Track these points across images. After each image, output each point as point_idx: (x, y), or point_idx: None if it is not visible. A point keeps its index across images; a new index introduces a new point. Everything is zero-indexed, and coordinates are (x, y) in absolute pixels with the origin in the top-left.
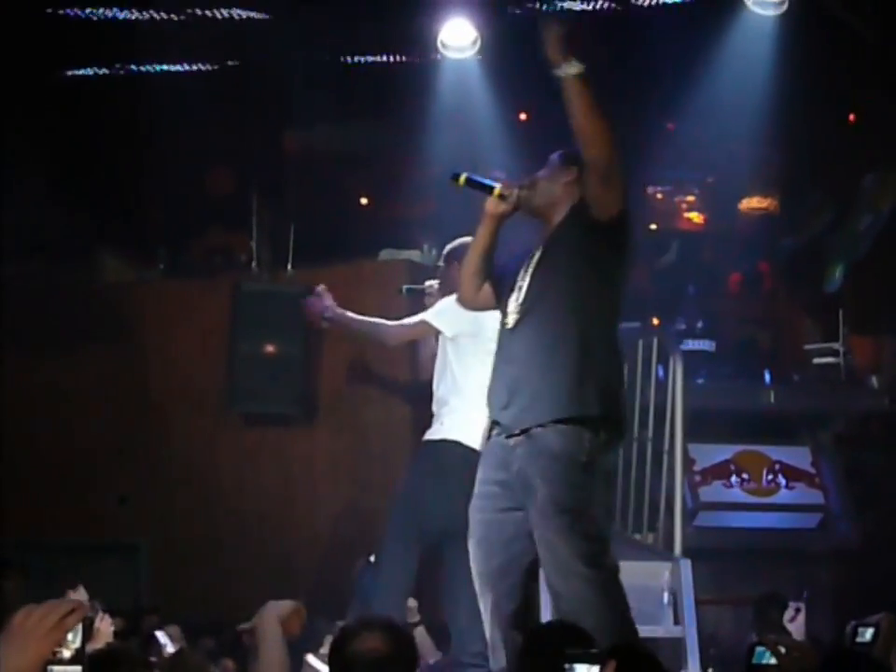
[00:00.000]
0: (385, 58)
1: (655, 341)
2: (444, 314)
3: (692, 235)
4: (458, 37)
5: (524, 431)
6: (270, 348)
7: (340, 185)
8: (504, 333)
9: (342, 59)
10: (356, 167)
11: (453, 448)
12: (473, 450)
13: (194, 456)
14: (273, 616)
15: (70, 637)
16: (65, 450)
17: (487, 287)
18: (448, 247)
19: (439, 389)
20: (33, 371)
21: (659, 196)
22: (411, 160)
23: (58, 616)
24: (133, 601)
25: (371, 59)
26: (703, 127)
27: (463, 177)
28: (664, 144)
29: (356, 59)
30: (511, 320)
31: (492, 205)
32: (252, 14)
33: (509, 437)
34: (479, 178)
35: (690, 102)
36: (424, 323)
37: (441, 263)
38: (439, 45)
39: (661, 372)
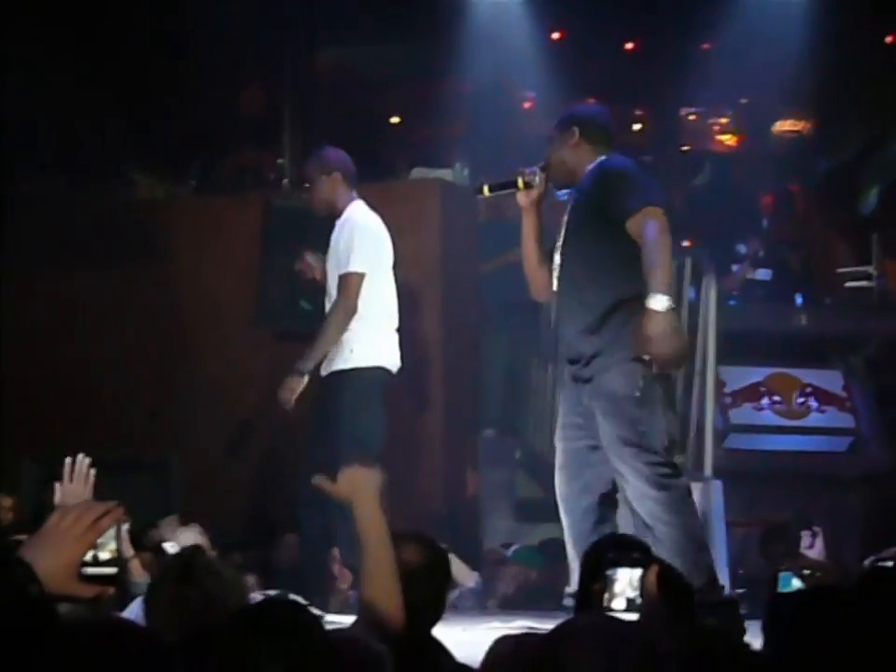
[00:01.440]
0: None
1: (688, 262)
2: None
3: (724, 157)
4: None
5: (588, 379)
6: (299, 265)
7: (371, 104)
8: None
9: None
10: (388, 86)
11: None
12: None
13: (224, 373)
14: (372, 492)
15: (104, 539)
16: (97, 367)
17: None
18: None
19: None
20: (62, 290)
21: (692, 117)
22: (443, 79)
23: (93, 517)
24: (164, 517)
25: None
26: (738, 48)
27: (485, 187)
28: (698, 64)
29: None
30: (555, 284)
31: (523, 197)
32: None
33: (575, 381)
34: (499, 181)
35: (726, 22)
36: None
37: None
38: None
39: (693, 294)
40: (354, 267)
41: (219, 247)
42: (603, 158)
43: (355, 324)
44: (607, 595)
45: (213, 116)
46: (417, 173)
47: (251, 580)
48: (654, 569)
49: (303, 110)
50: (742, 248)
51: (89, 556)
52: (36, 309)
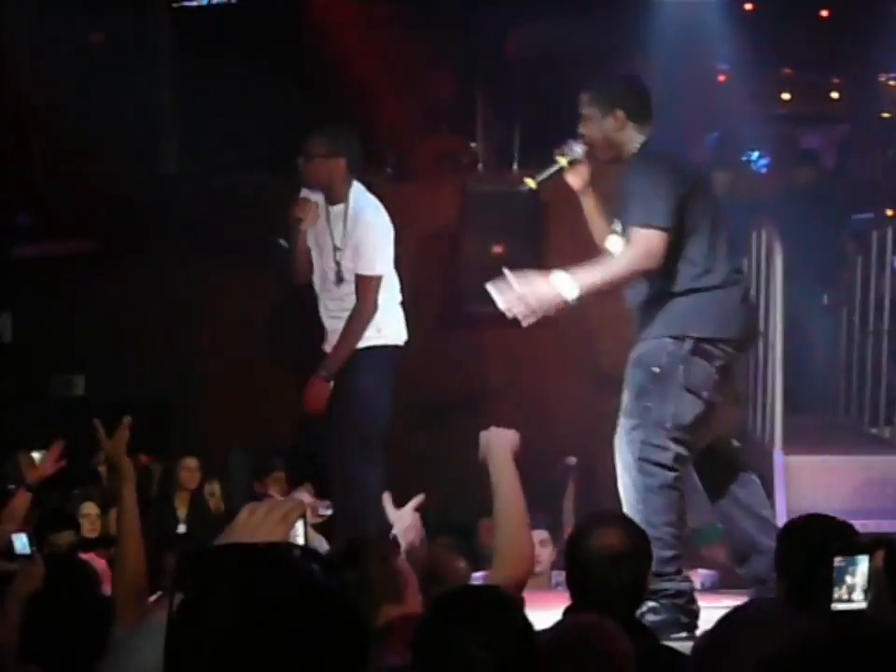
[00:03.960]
0: None
1: (890, 231)
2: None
3: None
4: None
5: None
6: (498, 249)
7: (563, 83)
8: None
9: None
10: (579, 64)
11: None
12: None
13: (422, 356)
14: (507, 448)
15: (293, 533)
16: (294, 352)
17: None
18: None
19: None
20: (241, 279)
21: (891, 83)
22: (632, 56)
23: (282, 512)
24: None
25: None
26: None
27: (533, 182)
28: (895, 29)
29: None
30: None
31: (574, 178)
32: None
33: None
34: (543, 173)
35: None
36: None
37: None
38: None
39: (895, 264)
40: (377, 270)
41: (417, 233)
42: (644, 140)
43: (382, 304)
44: (842, 589)
45: (407, 101)
46: None
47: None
48: (880, 554)
49: (494, 92)
50: None
51: None
52: (213, 306)
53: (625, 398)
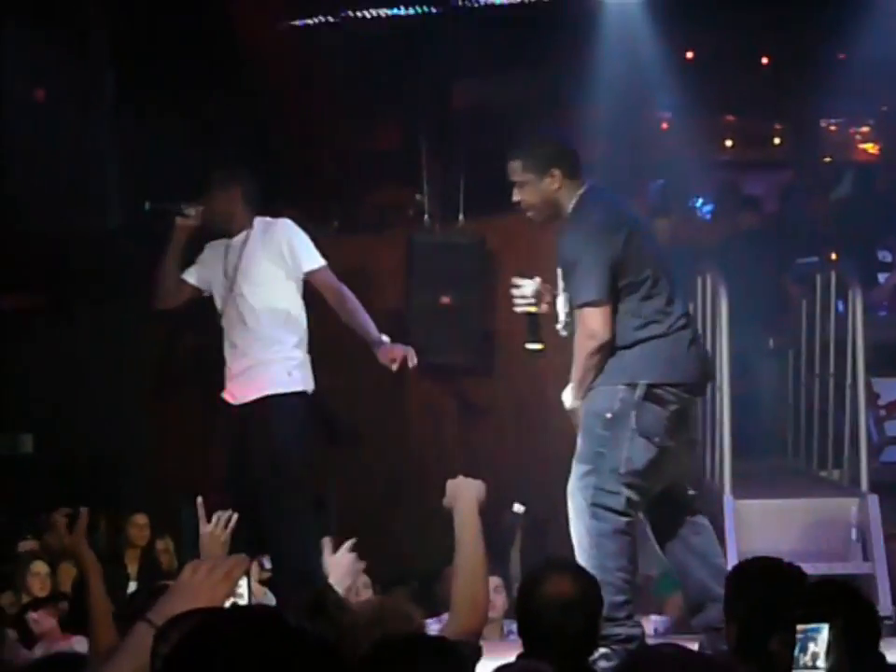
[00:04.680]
0: (549, 4)
1: (833, 275)
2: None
3: (867, 166)
4: None
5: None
6: (445, 299)
7: (508, 134)
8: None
9: (505, 8)
10: (523, 116)
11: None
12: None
13: (373, 408)
14: (473, 499)
15: (237, 590)
16: None
17: None
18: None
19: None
20: (189, 331)
21: (832, 128)
22: (577, 106)
23: (224, 569)
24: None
25: (534, 6)
26: (875, 56)
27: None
28: (836, 74)
29: (520, 7)
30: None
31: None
32: None
33: None
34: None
35: (861, 30)
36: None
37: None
38: None
39: (840, 307)
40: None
41: (364, 284)
42: (581, 192)
43: (296, 349)
44: (805, 656)
45: (352, 154)
46: None
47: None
48: (839, 623)
49: (440, 144)
50: (887, 256)
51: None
52: (178, 358)
53: (579, 444)
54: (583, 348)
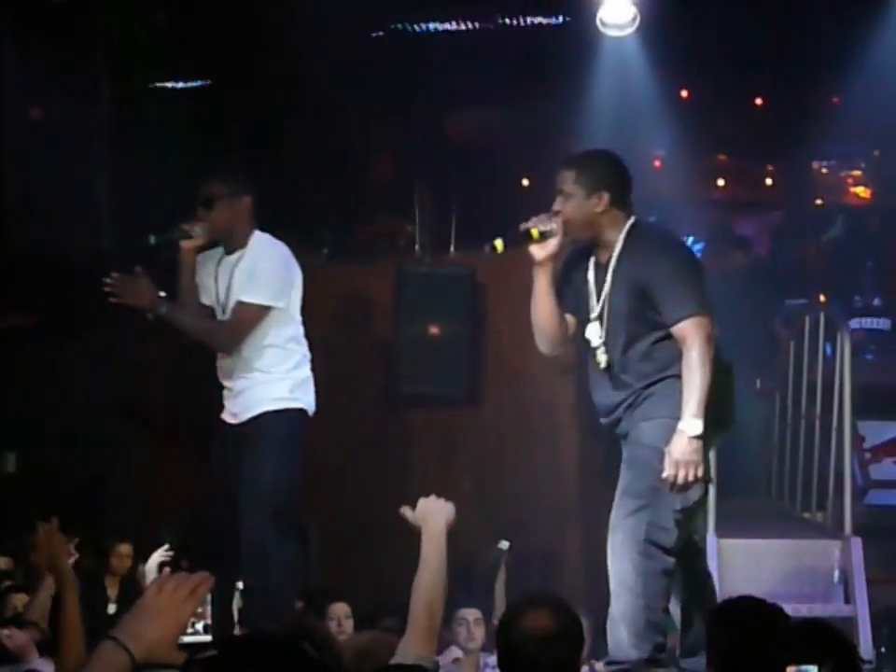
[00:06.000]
0: (545, 38)
1: (822, 317)
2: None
3: (858, 210)
4: (618, 15)
5: (626, 433)
6: (434, 330)
7: (501, 167)
8: (593, 362)
9: (501, 41)
10: (516, 149)
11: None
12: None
13: (359, 438)
14: (441, 521)
15: (200, 609)
16: None
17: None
18: None
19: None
20: (175, 355)
21: (825, 171)
22: (572, 140)
23: (189, 587)
24: (304, 582)
25: (529, 40)
26: (869, 100)
27: (499, 243)
28: (829, 118)
29: (515, 40)
30: (602, 360)
31: (539, 250)
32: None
33: (623, 437)
34: (513, 234)
35: (855, 75)
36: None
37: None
38: (598, 23)
39: (829, 350)
40: (261, 299)
41: (353, 314)
42: (634, 221)
43: (295, 368)
44: None
45: (344, 183)
46: None
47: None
48: (829, 666)
49: (434, 175)
50: (859, 301)
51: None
52: (164, 381)
53: (628, 477)
54: (708, 354)
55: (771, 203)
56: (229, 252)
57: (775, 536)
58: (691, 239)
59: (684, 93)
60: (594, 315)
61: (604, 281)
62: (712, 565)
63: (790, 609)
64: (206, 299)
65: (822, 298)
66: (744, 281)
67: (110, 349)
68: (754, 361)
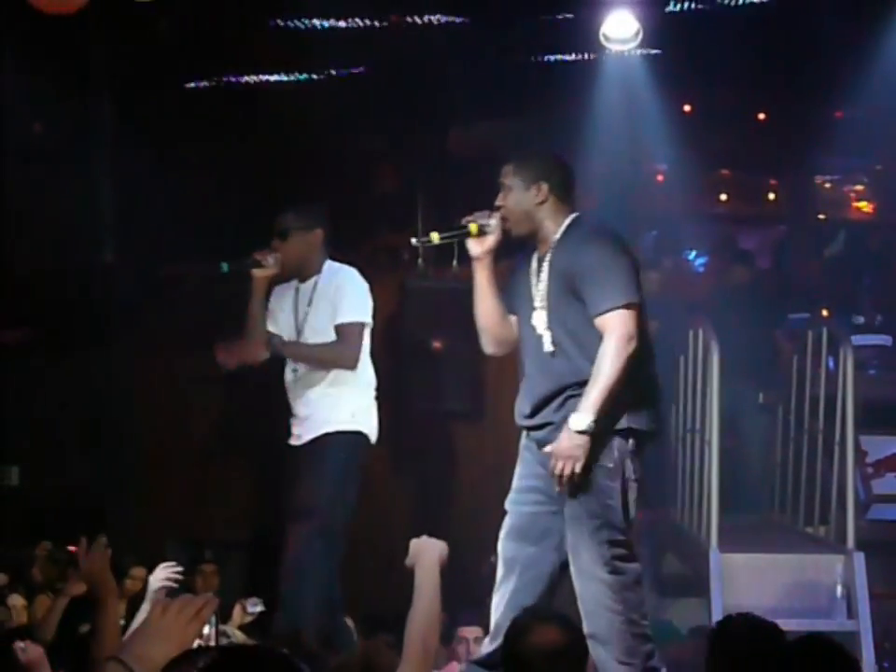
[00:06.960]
0: (547, 53)
1: (825, 332)
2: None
3: (861, 225)
4: (621, 30)
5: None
6: (437, 344)
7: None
8: (538, 351)
9: (504, 55)
10: None
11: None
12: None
13: None
14: (435, 557)
15: (205, 629)
16: (223, 445)
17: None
18: None
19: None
20: (180, 369)
21: (827, 185)
22: (574, 154)
23: (194, 609)
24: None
25: (534, 54)
26: (871, 115)
27: (435, 235)
28: (832, 133)
29: (518, 55)
30: (547, 344)
31: (476, 245)
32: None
33: (541, 446)
34: (450, 232)
35: (858, 90)
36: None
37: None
38: (601, 38)
39: (831, 364)
40: (357, 317)
41: None
42: (575, 216)
43: (359, 395)
44: None
45: (348, 198)
46: None
47: None
48: None
49: (437, 189)
50: (860, 319)
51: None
52: (167, 395)
53: (580, 500)
54: (622, 352)
55: (774, 217)
56: (303, 280)
57: (777, 550)
58: (693, 253)
59: (687, 108)
60: (537, 304)
61: (541, 272)
62: (714, 579)
63: (792, 623)
64: (273, 326)
65: (825, 312)
66: (747, 295)
67: (112, 364)
68: (757, 375)
